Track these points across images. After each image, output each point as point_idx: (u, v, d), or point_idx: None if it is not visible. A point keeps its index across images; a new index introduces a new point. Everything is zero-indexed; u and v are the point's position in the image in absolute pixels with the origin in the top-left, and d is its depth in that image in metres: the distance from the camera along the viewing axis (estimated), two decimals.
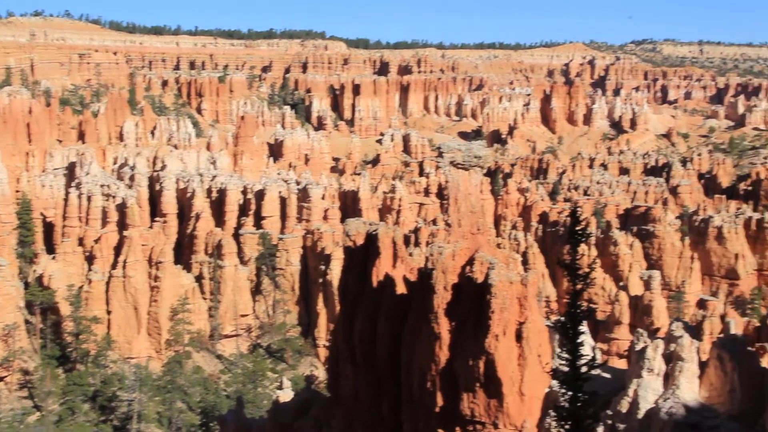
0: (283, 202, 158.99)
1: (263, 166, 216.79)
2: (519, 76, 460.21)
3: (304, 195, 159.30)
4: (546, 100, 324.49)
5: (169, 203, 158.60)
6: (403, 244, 49.18)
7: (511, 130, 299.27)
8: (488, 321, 38.74)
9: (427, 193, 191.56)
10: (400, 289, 46.37)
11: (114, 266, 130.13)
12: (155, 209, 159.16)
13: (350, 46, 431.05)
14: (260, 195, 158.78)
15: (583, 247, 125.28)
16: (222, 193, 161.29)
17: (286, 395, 60.24)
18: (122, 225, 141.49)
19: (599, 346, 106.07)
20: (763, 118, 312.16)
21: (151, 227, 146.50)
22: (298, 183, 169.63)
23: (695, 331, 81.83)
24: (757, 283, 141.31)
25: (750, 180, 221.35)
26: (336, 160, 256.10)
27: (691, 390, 43.45)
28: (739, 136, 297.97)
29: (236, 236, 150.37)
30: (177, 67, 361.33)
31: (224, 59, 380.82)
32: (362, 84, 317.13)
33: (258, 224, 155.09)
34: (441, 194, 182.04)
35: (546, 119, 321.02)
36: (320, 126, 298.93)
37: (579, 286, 28.27)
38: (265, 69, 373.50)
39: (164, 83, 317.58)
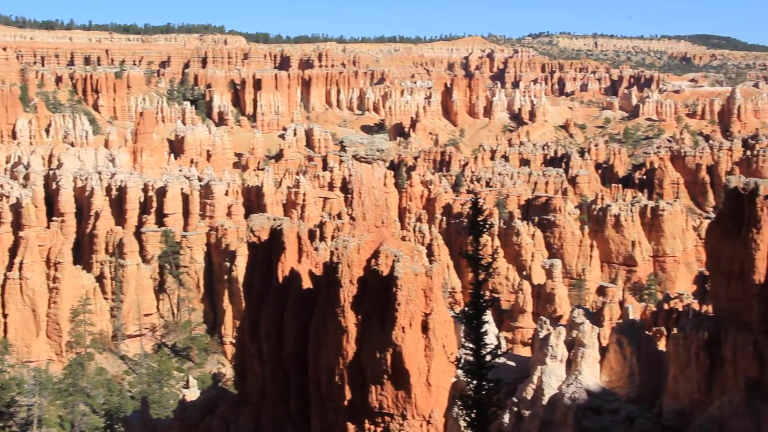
0: (186, 198, 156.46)
1: (164, 162, 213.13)
2: (420, 70, 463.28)
3: (206, 191, 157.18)
4: (447, 93, 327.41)
5: (67, 202, 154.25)
6: (308, 238, 49.09)
7: (414, 123, 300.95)
8: (394, 313, 38.95)
9: (331, 187, 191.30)
10: (306, 283, 46.26)
11: (9, 268, 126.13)
12: (52, 209, 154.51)
13: (250, 41, 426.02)
14: (162, 192, 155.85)
15: (485, 238, 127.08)
16: (122, 191, 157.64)
17: (193, 394, 59.41)
18: (17, 225, 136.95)
19: (504, 335, 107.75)
20: (655, 108, 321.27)
21: (48, 227, 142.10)
22: (200, 179, 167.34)
23: (596, 317, 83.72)
24: (653, 269, 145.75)
25: (644, 169, 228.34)
26: (239, 155, 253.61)
27: (592, 375, 44.51)
28: (634, 126, 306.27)
29: (138, 234, 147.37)
30: (71, 63, 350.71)
31: (120, 54, 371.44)
32: (263, 79, 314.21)
33: (160, 222, 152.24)
34: (345, 188, 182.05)
35: (447, 112, 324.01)
36: (222, 121, 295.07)
37: (481, 277, 28.63)
38: (164, 64, 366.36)
39: (58, 79, 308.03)
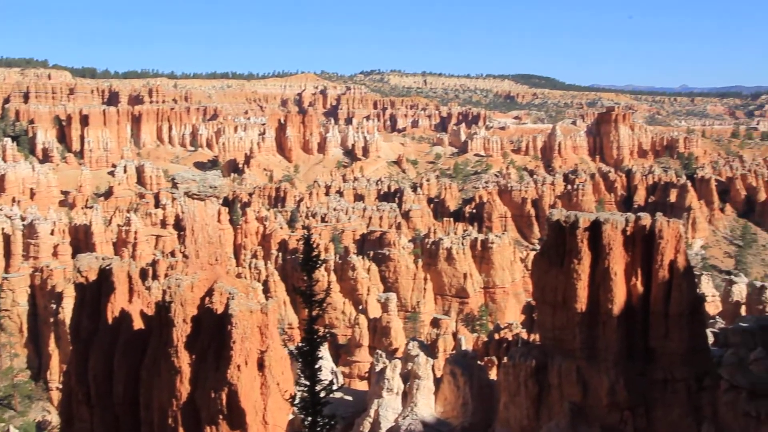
0: (7, 239, 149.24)
1: None
2: (253, 106, 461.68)
3: (30, 231, 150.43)
4: (281, 129, 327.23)
5: None
6: (140, 278, 47.67)
7: (248, 159, 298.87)
8: (230, 351, 38.33)
9: (163, 224, 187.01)
10: (138, 324, 44.88)
11: None
12: None
13: (76, 75, 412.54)
14: None
15: (320, 273, 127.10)
16: None
17: None
18: None
19: (341, 370, 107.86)
20: (482, 144, 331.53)
21: None
22: (23, 218, 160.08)
23: (430, 349, 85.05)
24: (484, 300, 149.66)
25: (474, 203, 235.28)
26: (65, 193, 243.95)
27: (427, 406, 45.15)
28: (463, 161, 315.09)
29: None
30: None
31: None
32: (91, 114, 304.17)
33: None
34: (178, 225, 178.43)
35: (282, 148, 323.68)
36: (46, 158, 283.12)
37: (315, 313, 28.66)
38: None
39: None
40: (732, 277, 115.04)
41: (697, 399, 47.57)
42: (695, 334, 48.84)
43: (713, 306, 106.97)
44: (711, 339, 55.34)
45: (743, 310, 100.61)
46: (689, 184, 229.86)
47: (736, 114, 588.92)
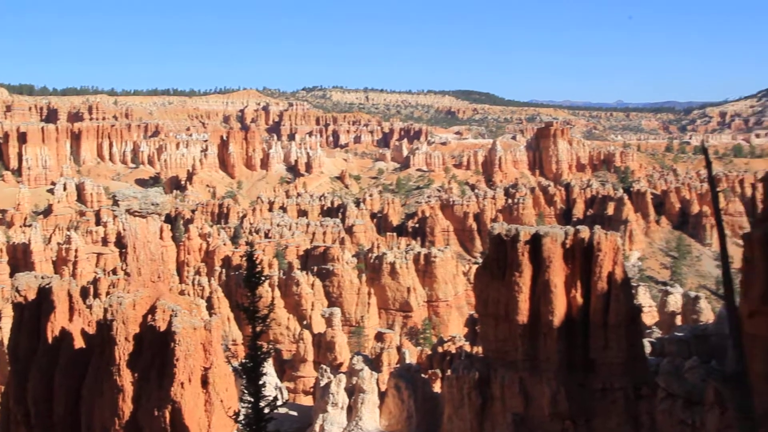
0: None
1: None
2: (195, 123, 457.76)
3: None
4: (223, 145, 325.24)
5: None
6: (81, 296, 46.93)
7: (190, 176, 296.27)
8: (173, 369, 37.90)
9: (105, 242, 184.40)
10: (79, 343, 44.16)
11: None
12: None
13: (13, 93, 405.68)
14: None
15: (264, 289, 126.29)
16: None
17: None
18: None
19: (286, 385, 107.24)
20: (424, 160, 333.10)
21: None
22: None
23: (375, 363, 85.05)
24: (428, 313, 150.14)
25: (417, 218, 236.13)
26: (3, 212, 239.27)
27: (372, 420, 45.16)
28: (405, 177, 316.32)
29: None
30: None
31: None
32: (29, 131, 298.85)
33: None
34: (120, 243, 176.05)
35: (224, 164, 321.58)
36: None
37: (258, 329, 28.55)
38: None
39: None
40: (668, 287, 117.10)
41: (635, 408, 48.28)
42: (633, 344, 49.61)
43: (650, 316, 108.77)
44: (648, 348, 56.29)
45: (679, 320, 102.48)
46: (626, 197, 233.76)
47: (669, 129, 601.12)
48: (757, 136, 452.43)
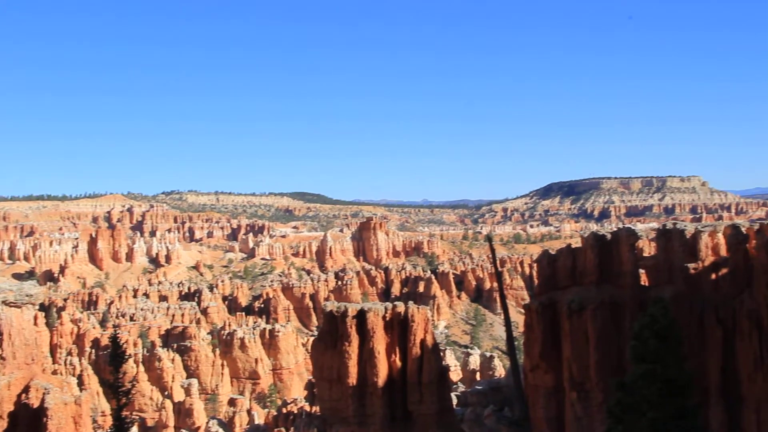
0: None
1: None
2: (67, 223, 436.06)
3: None
4: (93, 242, 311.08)
5: None
6: None
7: (63, 269, 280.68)
8: None
9: None
10: None
11: None
12: None
13: None
14: None
15: (130, 365, 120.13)
16: None
17: None
18: None
19: None
20: (268, 250, 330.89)
21: None
22: None
23: (228, 425, 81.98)
24: (273, 380, 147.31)
25: (262, 299, 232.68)
26: None
27: None
28: (251, 264, 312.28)
29: None
30: None
31: None
32: None
33: None
34: None
35: (94, 259, 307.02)
36: None
37: (122, 401, 27.18)
38: None
39: None
40: (468, 350, 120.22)
41: None
42: (443, 398, 50.32)
43: (455, 374, 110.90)
44: (455, 400, 57.18)
45: (478, 376, 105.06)
46: (433, 277, 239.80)
47: (465, 221, 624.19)
48: (531, 226, 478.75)
